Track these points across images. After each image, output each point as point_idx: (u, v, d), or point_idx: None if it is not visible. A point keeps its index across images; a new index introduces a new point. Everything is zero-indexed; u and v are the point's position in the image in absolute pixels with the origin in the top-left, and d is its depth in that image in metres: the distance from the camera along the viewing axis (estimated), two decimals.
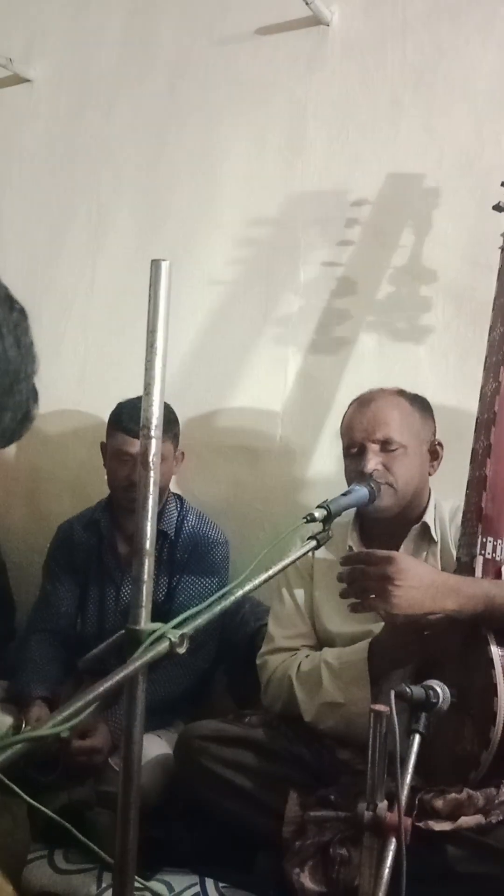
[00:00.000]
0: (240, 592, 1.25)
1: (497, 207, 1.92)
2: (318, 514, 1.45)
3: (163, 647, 1.09)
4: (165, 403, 2.17)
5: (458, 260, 2.23)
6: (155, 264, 1.16)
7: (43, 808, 1.56)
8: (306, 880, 1.53)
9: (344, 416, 1.94)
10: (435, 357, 2.25)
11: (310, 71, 2.46)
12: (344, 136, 2.40)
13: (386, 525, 1.87)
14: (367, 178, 2.35)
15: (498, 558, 1.69)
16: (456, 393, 2.15)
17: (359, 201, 2.36)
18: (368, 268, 2.33)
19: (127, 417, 2.16)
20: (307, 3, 2.32)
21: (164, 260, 1.16)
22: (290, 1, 2.37)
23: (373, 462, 1.80)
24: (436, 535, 1.87)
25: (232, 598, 1.23)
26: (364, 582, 1.56)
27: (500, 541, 1.70)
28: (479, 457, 1.76)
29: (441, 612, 1.56)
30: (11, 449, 2.76)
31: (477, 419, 1.79)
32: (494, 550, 1.69)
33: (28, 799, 1.52)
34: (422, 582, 1.53)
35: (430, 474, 1.92)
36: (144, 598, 1.15)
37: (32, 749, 0.90)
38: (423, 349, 2.26)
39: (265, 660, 1.90)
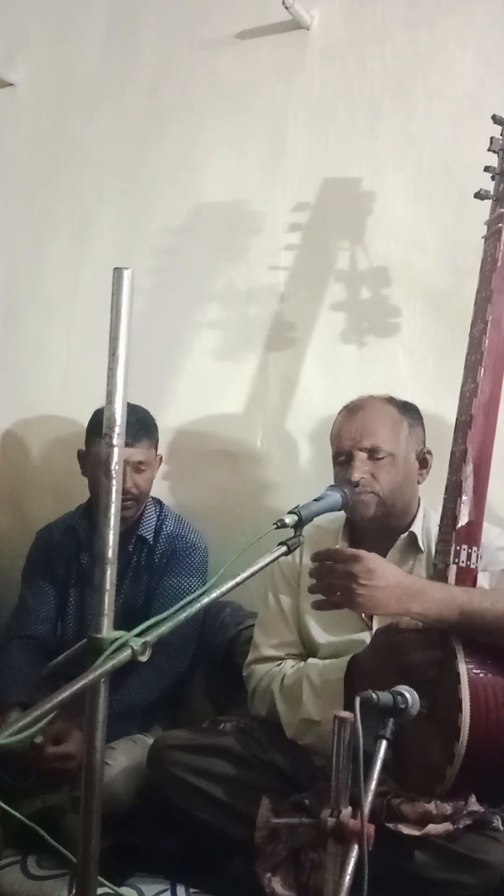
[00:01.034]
0: (206, 600, 1.25)
1: (478, 195, 1.89)
2: (288, 519, 1.45)
3: (125, 655, 1.09)
4: (143, 409, 2.20)
5: (438, 263, 2.24)
6: (117, 272, 1.15)
7: (15, 813, 1.56)
8: (277, 885, 1.54)
9: (334, 424, 1.94)
10: (414, 361, 2.26)
11: (290, 75, 2.46)
12: (325, 139, 2.41)
13: (374, 532, 1.88)
14: (348, 182, 2.35)
15: (472, 566, 1.67)
16: (434, 398, 2.15)
17: (337, 204, 2.36)
18: (348, 272, 2.34)
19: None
20: (287, 8, 2.32)
21: (125, 268, 1.15)
22: (270, 5, 2.37)
23: (359, 471, 1.80)
24: (423, 544, 1.87)
25: (198, 606, 1.23)
26: (330, 579, 1.57)
27: (474, 548, 1.67)
28: (457, 461, 1.72)
29: (406, 614, 1.57)
30: None
31: (456, 421, 1.76)
32: (469, 558, 1.66)
33: (0, 804, 1.52)
34: (387, 582, 1.53)
35: (418, 482, 1.92)
36: (106, 606, 1.15)
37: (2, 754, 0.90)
38: (402, 353, 2.27)
39: (251, 669, 1.90)
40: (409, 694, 1.32)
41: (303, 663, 1.84)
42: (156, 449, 2.28)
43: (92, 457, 2.21)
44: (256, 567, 1.36)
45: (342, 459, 1.86)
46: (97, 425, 2.20)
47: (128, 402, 1.16)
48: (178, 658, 2.14)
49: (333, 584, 1.57)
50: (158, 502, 2.34)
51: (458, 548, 1.67)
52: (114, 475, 1.17)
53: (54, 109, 2.83)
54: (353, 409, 1.91)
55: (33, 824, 1.54)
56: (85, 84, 2.78)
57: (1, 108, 2.90)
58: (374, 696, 1.29)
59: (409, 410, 1.93)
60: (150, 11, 2.69)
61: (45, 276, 2.79)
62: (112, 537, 1.16)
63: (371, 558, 1.56)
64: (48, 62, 2.85)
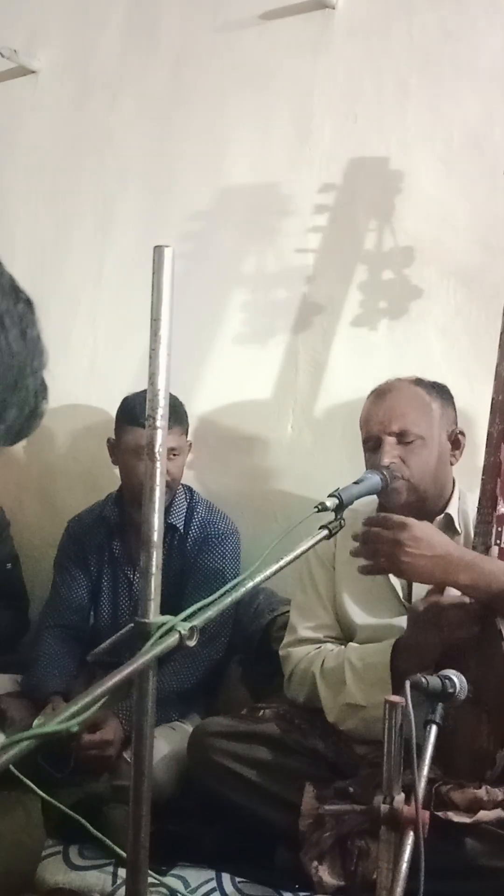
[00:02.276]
0: (250, 584, 1.23)
1: None
2: (329, 503, 1.43)
3: (172, 639, 1.07)
4: (173, 396, 2.18)
5: (469, 241, 2.20)
6: (158, 251, 1.13)
7: (57, 804, 1.56)
8: (324, 873, 1.52)
9: (363, 408, 1.91)
10: (447, 341, 2.22)
11: (315, 55, 2.42)
12: (351, 119, 2.37)
13: (408, 514, 1.84)
14: (375, 161, 2.31)
15: None
16: (469, 378, 2.11)
17: (366, 184, 2.32)
18: (377, 253, 2.30)
19: (141, 411, 2.14)
20: None
21: (167, 246, 1.13)
22: None
23: (389, 455, 1.77)
24: (459, 526, 1.84)
25: (242, 590, 1.21)
26: (377, 545, 1.57)
27: None
28: (495, 441, 1.70)
29: (452, 584, 1.55)
30: (22, 444, 2.74)
31: (492, 401, 1.73)
32: None
33: (42, 794, 1.51)
34: (434, 551, 1.54)
35: (451, 464, 1.89)
36: (153, 590, 1.14)
37: (43, 745, 0.88)
38: (435, 334, 2.23)
39: (288, 652, 1.89)
40: (457, 678, 1.30)
41: (343, 647, 1.82)
42: (186, 436, 2.26)
43: (123, 444, 2.19)
44: (299, 551, 1.34)
45: (371, 444, 1.84)
46: (127, 412, 2.19)
47: None
48: (213, 645, 2.13)
49: (379, 550, 1.56)
50: (189, 490, 2.33)
51: (501, 529, 1.65)
52: (158, 458, 1.14)
53: (76, 96, 2.81)
54: (380, 393, 1.89)
55: (75, 814, 1.54)
56: (107, 70, 2.76)
57: (23, 95, 2.88)
58: (423, 679, 1.27)
59: (438, 391, 1.90)
60: None
61: (70, 265, 2.77)
62: (157, 521, 1.15)
63: (418, 526, 1.56)
64: (69, 49, 2.83)
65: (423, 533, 1.55)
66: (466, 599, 1.56)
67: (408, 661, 1.63)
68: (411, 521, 1.56)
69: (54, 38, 2.86)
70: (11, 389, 0.60)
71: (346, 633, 1.89)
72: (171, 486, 2.19)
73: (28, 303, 0.61)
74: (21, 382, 0.60)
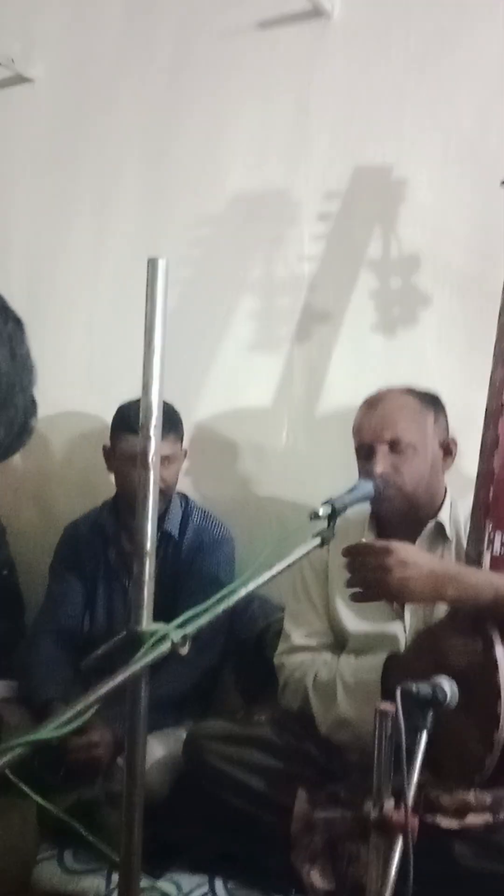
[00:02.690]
0: (243, 591, 1.24)
1: None
2: (322, 511, 1.45)
3: (165, 647, 1.09)
4: (168, 404, 2.20)
5: (464, 250, 2.21)
6: (151, 262, 1.15)
7: (52, 808, 1.56)
8: (316, 877, 1.53)
9: (355, 417, 1.93)
10: (442, 350, 2.23)
11: (312, 63, 2.43)
12: (348, 126, 2.38)
13: (400, 522, 1.87)
14: (373, 169, 2.33)
15: None
16: (463, 386, 2.12)
17: (363, 192, 2.34)
18: (372, 261, 2.32)
19: (136, 419, 2.15)
20: None
21: (160, 258, 1.14)
22: None
23: (382, 463, 1.80)
24: (450, 533, 1.86)
25: (235, 598, 1.23)
26: (364, 573, 1.57)
27: None
28: (487, 449, 1.71)
29: (441, 600, 1.58)
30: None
31: (486, 409, 1.74)
32: (503, 546, 1.67)
33: (37, 798, 1.52)
34: (420, 571, 1.54)
35: (443, 472, 1.91)
36: (146, 598, 1.15)
37: (38, 750, 0.90)
38: (430, 342, 2.24)
39: (282, 661, 1.90)
40: (448, 685, 1.32)
41: (335, 658, 1.83)
42: (181, 443, 2.27)
43: (118, 451, 2.20)
44: (291, 559, 1.35)
45: (364, 453, 1.86)
46: (123, 420, 2.20)
47: None
48: (207, 651, 2.13)
49: (368, 578, 1.57)
50: (185, 497, 2.34)
51: (492, 536, 1.66)
52: (151, 467, 1.16)
53: (74, 104, 2.81)
54: (372, 403, 1.91)
55: (70, 819, 1.54)
56: (104, 77, 2.76)
57: (20, 104, 2.88)
58: (414, 687, 1.28)
59: (429, 400, 1.92)
60: (168, 2, 2.67)
61: (67, 272, 2.78)
62: (150, 529, 1.16)
63: (402, 548, 1.57)
64: (66, 57, 2.83)
65: (408, 554, 1.56)
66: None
67: (399, 679, 1.63)
68: (394, 544, 1.58)
69: (51, 47, 2.86)
70: (1, 407, 0.61)
71: (339, 639, 1.90)
72: (166, 493, 2.20)
73: (17, 322, 0.63)
74: (10, 401, 0.62)
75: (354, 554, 1.60)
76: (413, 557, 1.56)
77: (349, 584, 1.61)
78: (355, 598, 1.62)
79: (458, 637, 1.57)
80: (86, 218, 2.77)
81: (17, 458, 2.80)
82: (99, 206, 2.75)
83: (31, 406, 0.64)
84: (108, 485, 2.37)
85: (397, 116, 2.31)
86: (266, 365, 2.45)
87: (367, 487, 1.67)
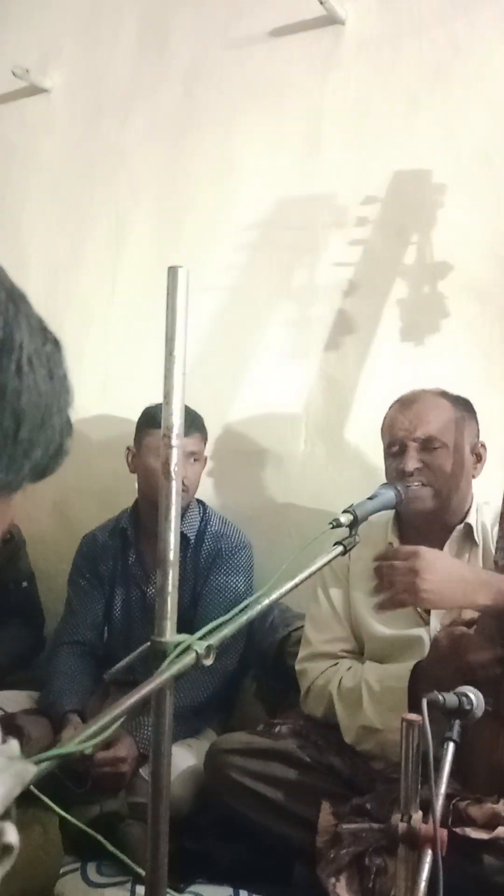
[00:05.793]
0: (266, 601, 1.24)
1: None
2: (344, 519, 1.44)
3: (189, 658, 1.08)
4: (191, 409, 2.19)
5: (480, 257, 2.20)
6: (172, 271, 1.14)
7: (74, 821, 1.56)
8: (342, 890, 1.51)
9: (385, 416, 1.92)
10: (458, 356, 2.22)
11: (325, 71, 2.43)
12: (361, 135, 2.38)
13: (424, 525, 1.85)
14: (385, 177, 2.32)
15: None
16: (480, 392, 2.11)
17: (376, 200, 2.33)
18: (387, 268, 2.30)
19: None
20: (321, 3, 2.30)
21: (180, 266, 1.14)
22: (303, 1, 2.35)
23: (413, 461, 1.78)
24: (478, 537, 1.84)
25: (258, 608, 1.22)
26: (393, 577, 1.55)
27: None
28: None
29: (472, 606, 1.55)
30: None
31: None
32: None
33: (60, 811, 1.51)
34: (451, 576, 1.52)
35: (473, 476, 1.89)
36: (169, 609, 1.14)
37: (62, 764, 0.89)
38: (446, 349, 2.23)
39: (304, 667, 1.88)
40: (474, 695, 1.29)
41: (360, 665, 1.81)
42: (204, 444, 2.27)
43: (144, 447, 2.20)
44: (314, 567, 1.34)
45: (395, 450, 1.83)
46: (150, 418, 2.20)
47: None
48: (226, 657, 2.11)
49: (397, 583, 1.55)
50: (202, 504, 2.33)
51: None
52: (173, 476, 1.15)
53: (89, 114, 2.83)
54: (406, 402, 1.89)
55: (93, 832, 1.54)
56: (118, 88, 2.78)
57: (36, 114, 2.91)
58: (440, 697, 1.26)
59: (462, 403, 1.90)
60: (182, 12, 2.69)
61: (83, 281, 2.80)
62: (173, 539, 1.15)
63: (430, 552, 1.55)
64: (81, 67, 2.86)
65: (437, 558, 1.54)
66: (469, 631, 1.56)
67: (427, 687, 1.62)
68: (422, 548, 1.56)
69: (66, 58, 2.89)
70: (38, 428, 0.61)
71: (361, 645, 1.88)
72: (189, 492, 2.19)
73: (56, 343, 0.63)
74: (48, 421, 0.62)
75: (383, 559, 1.59)
76: (442, 562, 1.55)
77: (377, 589, 1.59)
78: (382, 606, 1.59)
79: (487, 644, 1.55)
80: (101, 226, 2.78)
81: None
82: (114, 215, 2.76)
83: (67, 427, 0.64)
84: (125, 493, 2.37)
85: (409, 123, 2.31)
86: (283, 373, 2.45)
87: (389, 495, 1.66)
